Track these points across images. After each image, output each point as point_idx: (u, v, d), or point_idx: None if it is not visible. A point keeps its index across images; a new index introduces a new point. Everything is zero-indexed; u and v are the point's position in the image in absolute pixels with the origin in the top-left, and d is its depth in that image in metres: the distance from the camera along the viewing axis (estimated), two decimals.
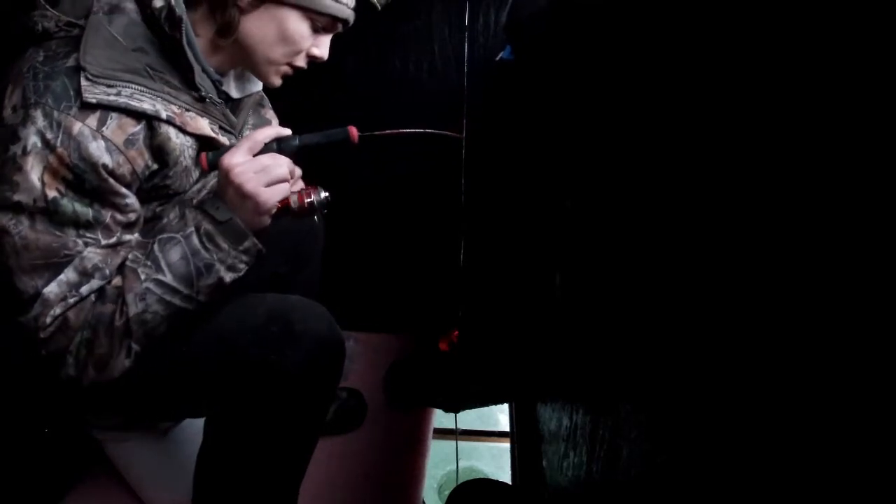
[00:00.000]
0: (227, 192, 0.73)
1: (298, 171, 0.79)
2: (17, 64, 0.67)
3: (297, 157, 0.79)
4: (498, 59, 1.30)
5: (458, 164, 1.49)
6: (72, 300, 0.68)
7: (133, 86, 0.67)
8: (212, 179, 0.84)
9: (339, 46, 1.49)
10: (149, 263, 0.70)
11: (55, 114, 0.63)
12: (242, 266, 0.75)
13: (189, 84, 0.74)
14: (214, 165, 0.75)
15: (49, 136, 0.63)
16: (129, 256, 0.72)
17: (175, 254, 0.71)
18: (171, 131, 0.71)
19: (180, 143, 0.73)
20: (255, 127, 0.90)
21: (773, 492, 0.33)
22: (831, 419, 0.28)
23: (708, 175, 0.43)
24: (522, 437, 1.40)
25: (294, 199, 0.79)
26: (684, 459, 0.45)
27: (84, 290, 0.68)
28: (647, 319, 0.55)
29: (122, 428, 1.00)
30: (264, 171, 0.72)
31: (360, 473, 1.27)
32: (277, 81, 0.83)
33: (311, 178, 0.86)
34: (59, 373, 0.71)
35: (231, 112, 0.86)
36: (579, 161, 0.84)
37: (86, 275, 0.68)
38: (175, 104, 0.71)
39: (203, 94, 0.75)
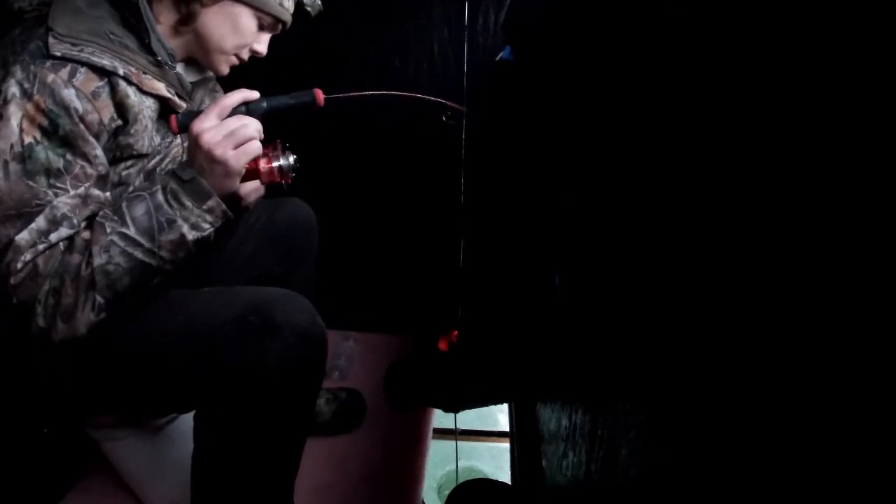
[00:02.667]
0: (197, 155, 0.77)
1: (261, 133, 0.81)
2: None
3: (265, 120, 0.82)
4: (498, 59, 1.31)
5: (457, 163, 1.50)
6: (41, 247, 0.71)
7: (94, 45, 0.73)
8: (173, 149, 0.88)
9: (339, 47, 1.49)
10: (115, 218, 0.74)
11: (31, 67, 0.70)
12: (207, 226, 0.77)
13: (146, 49, 0.80)
14: (185, 128, 0.79)
15: (26, 85, 0.70)
16: (100, 212, 0.75)
17: (140, 209, 0.74)
18: (129, 90, 0.77)
19: (138, 102, 0.78)
20: None
21: (771, 491, 0.33)
22: (830, 418, 0.28)
23: (708, 174, 0.43)
24: (522, 437, 1.40)
25: (263, 164, 0.83)
26: (683, 459, 0.45)
27: (53, 237, 0.72)
28: (646, 319, 0.55)
29: (116, 427, 1.00)
30: (232, 133, 0.76)
31: (360, 473, 1.27)
32: (225, 70, 0.91)
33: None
34: (31, 327, 0.73)
35: (189, 96, 0.92)
36: (579, 161, 0.84)
37: (55, 223, 0.71)
38: (133, 65, 0.77)
39: (159, 58, 0.81)
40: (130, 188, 0.81)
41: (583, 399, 0.80)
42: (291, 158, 0.86)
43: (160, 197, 0.75)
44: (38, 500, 1.16)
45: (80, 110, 0.72)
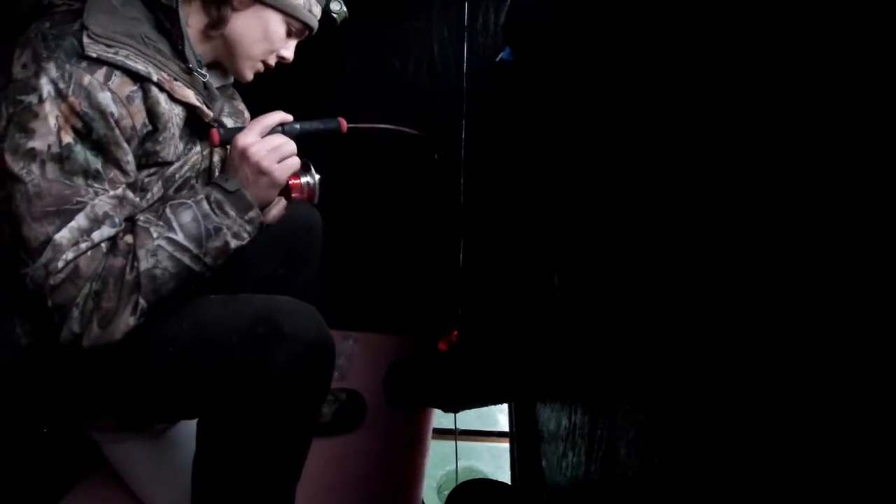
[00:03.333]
0: (242, 168, 0.80)
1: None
2: (23, 35, 0.71)
3: (298, 142, 0.86)
4: (498, 59, 1.31)
5: (457, 164, 1.50)
6: (83, 245, 0.69)
7: (129, 48, 0.72)
8: (192, 157, 0.87)
9: (340, 46, 1.49)
10: (160, 223, 0.74)
11: (67, 66, 0.68)
12: (246, 235, 0.80)
13: (178, 55, 0.79)
14: (227, 142, 0.83)
15: (62, 85, 0.67)
16: (141, 217, 0.75)
17: (187, 216, 0.75)
18: (161, 97, 0.76)
19: (168, 110, 0.77)
20: (230, 115, 0.97)
21: (770, 491, 0.33)
22: (829, 418, 0.28)
23: (707, 174, 0.43)
24: (522, 437, 1.40)
25: (293, 182, 0.89)
26: (682, 459, 0.45)
27: (95, 236, 0.70)
28: (644, 320, 0.55)
29: (117, 429, 1.00)
30: (277, 148, 0.81)
31: (360, 474, 1.27)
32: (250, 76, 0.90)
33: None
34: (61, 332, 0.71)
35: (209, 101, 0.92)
36: (577, 161, 0.84)
37: (97, 221, 0.70)
38: (165, 71, 0.76)
39: (190, 65, 0.81)
40: (149, 195, 0.80)
41: (582, 399, 0.80)
42: (317, 177, 0.92)
43: (206, 206, 0.77)
44: (38, 500, 1.16)
45: (116, 115, 0.70)
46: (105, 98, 0.69)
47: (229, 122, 0.93)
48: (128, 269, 0.71)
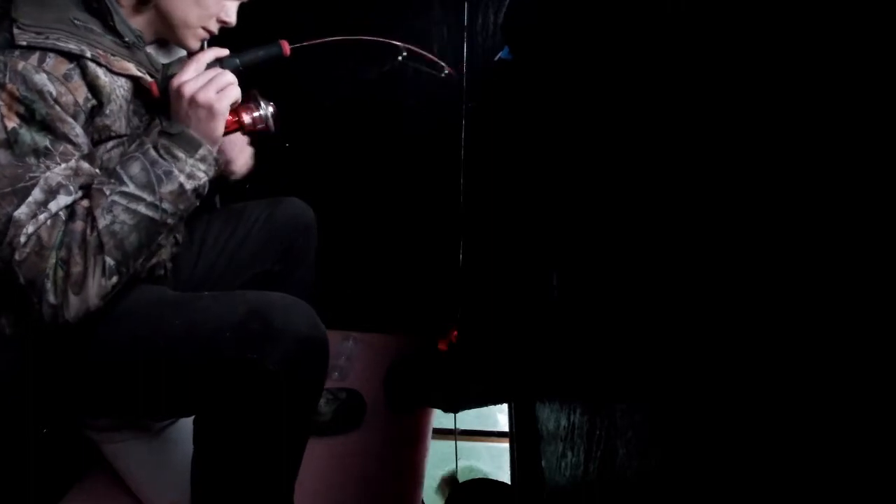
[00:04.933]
0: (180, 107, 0.80)
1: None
2: None
3: (239, 74, 0.85)
4: (497, 59, 1.31)
5: (457, 163, 1.50)
6: (42, 217, 0.71)
7: (59, 31, 0.74)
8: (154, 130, 0.88)
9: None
10: (112, 181, 0.75)
11: (1, 58, 0.70)
12: (202, 174, 0.80)
13: (111, 31, 0.80)
14: (165, 88, 0.82)
15: None
16: (95, 181, 0.76)
17: (135, 167, 0.76)
18: (99, 70, 0.77)
19: (109, 83, 0.78)
20: None
21: (768, 490, 0.33)
22: (830, 419, 0.28)
23: (705, 173, 0.43)
24: (521, 437, 1.40)
25: (244, 116, 0.88)
26: (680, 459, 0.45)
27: (52, 206, 0.71)
28: (642, 320, 0.55)
29: (115, 429, 1.00)
30: (211, 81, 0.80)
31: (360, 474, 1.27)
32: (195, 44, 0.89)
33: None
34: (41, 310, 0.71)
35: (163, 77, 0.91)
36: (576, 161, 0.84)
37: (52, 192, 0.72)
38: (99, 48, 0.77)
39: (126, 39, 0.81)
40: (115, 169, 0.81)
41: (581, 399, 0.80)
42: (271, 107, 0.89)
43: (153, 153, 0.77)
44: (38, 500, 1.16)
45: (54, 93, 0.72)
46: (41, 79, 0.71)
47: None
48: (88, 230, 0.72)
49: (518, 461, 1.40)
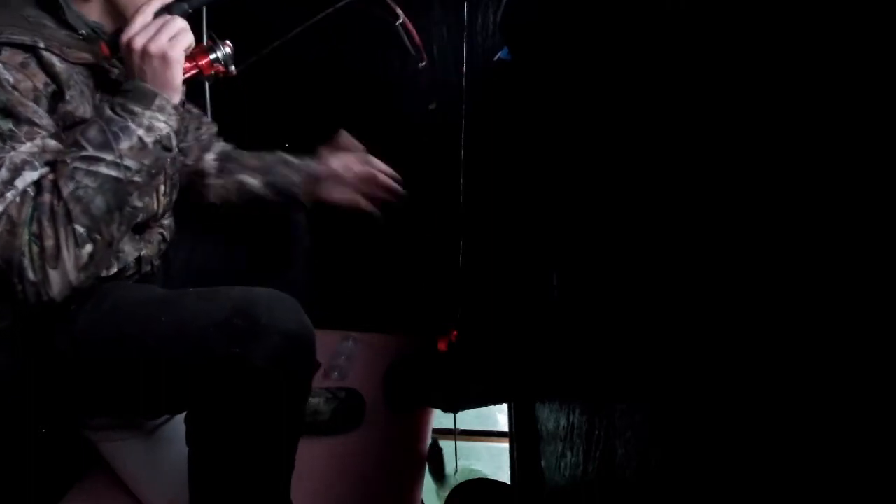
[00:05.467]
0: (133, 61, 0.78)
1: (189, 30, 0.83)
2: None
3: (190, 18, 0.83)
4: (496, 59, 1.31)
5: (457, 163, 1.50)
6: (10, 195, 0.70)
7: (12, 28, 0.74)
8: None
9: (340, 46, 1.49)
10: (72, 149, 0.75)
11: None
12: (161, 125, 0.78)
13: (65, 25, 0.81)
14: (115, 46, 0.80)
15: None
16: (60, 156, 0.75)
17: (92, 130, 0.75)
18: (54, 59, 0.76)
19: (66, 69, 0.78)
20: None
21: (766, 490, 0.33)
22: (830, 419, 0.28)
23: (705, 174, 0.43)
24: (521, 438, 1.40)
25: (202, 61, 0.86)
26: (678, 460, 0.45)
27: (19, 183, 0.71)
28: (642, 320, 0.55)
29: (113, 428, 1.01)
30: (161, 28, 0.78)
31: (360, 473, 1.27)
32: None
33: None
34: (25, 290, 0.71)
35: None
36: (575, 161, 0.84)
37: (17, 170, 0.71)
38: (54, 41, 0.77)
39: (81, 32, 0.82)
40: None
41: (580, 399, 0.80)
42: (227, 48, 0.88)
43: (108, 112, 0.76)
44: (38, 500, 1.17)
45: (12, 80, 0.72)
46: None
47: None
48: (55, 201, 0.71)
49: (518, 461, 1.40)
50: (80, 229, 0.72)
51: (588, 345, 0.75)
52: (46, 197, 0.72)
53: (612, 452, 0.60)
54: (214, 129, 1.19)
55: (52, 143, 0.75)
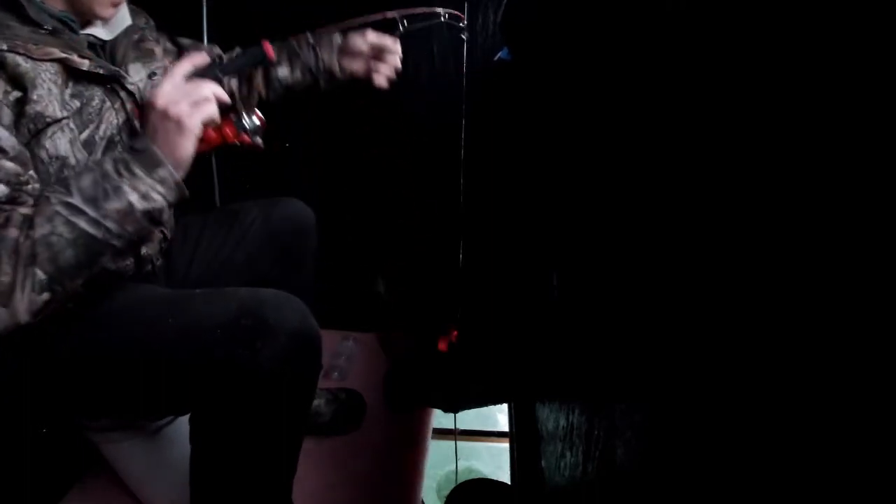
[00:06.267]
0: (151, 120, 0.75)
1: (222, 96, 0.80)
2: None
3: (222, 83, 0.82)
4: (496, 59, 1.30)
5: (457, 163, 1.50)
6: None
7: None
8: (105, 114, 0.83)
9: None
10: (61, 189, 0.71)
11: None
12: (158, 197, 0.74)
13: (29, 22, 0.77)
14: (142, 106, 0.78)
15: None
16: (48, 189, 0.72)
17: (87, 179, 0.72)
18: (18, 59, 0.73)
19: (32, 68, 0.74)
20: (138, 59, 0.93)
21: (765, 490, 0.33)
22: (829, 419, 0.28)
23: (705, 174, 0.43)
24: (521, 437, 1.40)
25: (227, 130, 0.84)
26: (677, 460, 0.45)
27: None
28: (641, 320, 0.55)
29: (114, 429, 1.00)
30: (187, 93, 0.75)
31: (360, 473, 1.27)
32: (108, 11, 0.84)
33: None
34: None
35: (110, 53, 0.89)
36: (574, 161, 0.84)
37: None
38: (17, 40, 0.74)
39: (47, 27, 0.78)
40: (71, 159, 0.78)
41: (579, 399, 0.80)
42: (257, 119, 0.85)
43: (108, 166, 0.73)
44: (38, 500, 1.17)
45: None
46: None
47: (137, 67, 0.91)
48: (21, 238, 0.67)
49: (518, 461, 1.40)
50: (42, 276, 0.68)
51: (588, 345, 0.75)
52: (12, 231, 0.68)
53: (612, 452, 0.60)
54: (216, 51, 1.13)
55: (10, 165, 0.71)
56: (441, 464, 2.05)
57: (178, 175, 0.76)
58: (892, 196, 0.24)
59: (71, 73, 0.79)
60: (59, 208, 0.69)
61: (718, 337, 0.39)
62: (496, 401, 1.65)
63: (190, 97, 0.75)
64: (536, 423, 1.24)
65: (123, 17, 0.91)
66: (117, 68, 0.85)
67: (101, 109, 0.82)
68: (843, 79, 0.28)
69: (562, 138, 0.93)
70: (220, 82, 0.80)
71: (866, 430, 0.26)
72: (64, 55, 0.77)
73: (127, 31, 0.91)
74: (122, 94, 0.84)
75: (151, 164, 0.73)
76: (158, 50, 0.98)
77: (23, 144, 0.73)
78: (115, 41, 0.90)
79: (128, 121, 0.85)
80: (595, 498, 0.69)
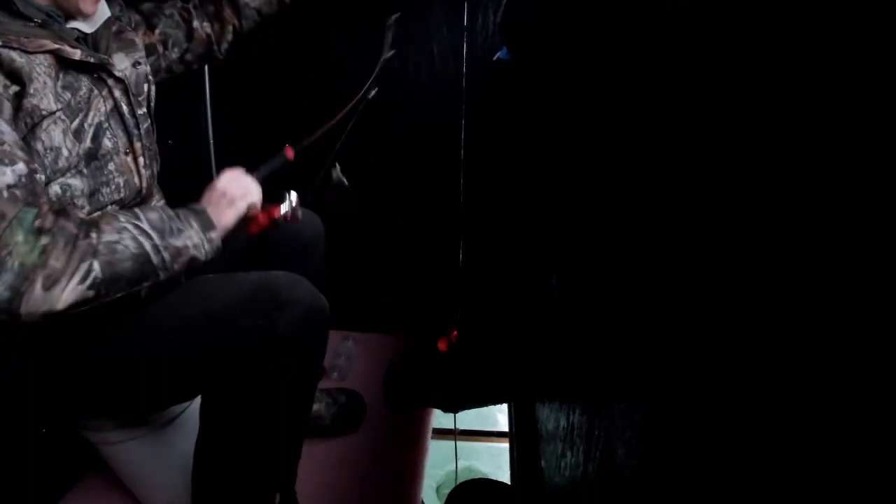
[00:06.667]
0: (210, 193, 0.92)
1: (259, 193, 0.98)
2: None
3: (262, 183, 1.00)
4: (495, 59, 1.31)
5: (457, 164, 1.50)
6: None
7: None
8: (94, 101, 0.86)
9: (340, 47, 1.49)
10: (129, 213, 0.79)
11: None
12: (205, 251, 0.84)
13: (18, 16, 0.80)
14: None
15: None
16: (109, 209, 0.81)
17: (153, 214, 0.81)
18: (13, 54, 0.76)
19: (27, 62, 0.77)
20: (121, 49, 0.97)
21: (765, 490, 0.33)
22: (828, 418, 0.28)
23: (705, 174, 0.43)
24: (521, 437, 1.40)
25: (275, 213, 1.02)
26: (677, 460, 0.45)
27: None
28: (640, 320, 0.55)
29: (113, 430, 1.00)
30: (239, 182, 0.95)
31: (360, 473, 1.28)
32: (91, 7, 0.88)
33: None
34: None
35: (93, 45, 0.92)
36: (574, 161, 0.84)
37: None
38: (10, 34, 0.77)
39: (36, 20, 0.81)
40: (63, 150, 0.81)
41: (579, 399, 0.80)
42: (294, 200, 1.04)
43: (172, 212, 0.83)
44: (38, 500, 1.17)
45: None
46: None
47: (121, 56, 0.95)
48: (81, 234, 0.71)
49: (518, 461, 1.40)
50: (97, 272, 0.72)
51: (587, 345, 0.75)
52: (70, 226, 0.71)
53: (612, 452, 0.60)
54: (179, 4, 1.15)
55: (21, 154, 0.72)
56: (441, 464, 2.05)
57: (219, 239, 0.87)
58: (891, 196, 0.24)
59: (62, 64, 0.82)
60: (129, 226, 0.76)
61: (717, 337, 0.39)
62: (496, 401, 1.65)
63: (241, 184, 0.95)
64: (536, 423, 1.24)
65: (103, 11, 0.94)
66: (106, 57, 0.89)
67: (88, 98, 0.85)
68: (843, 79, 0.28)
69: (561, 138, 0.93)
70: (259, 180, 0.99)
71: (865, 430, 0.26)
72: (57, 45, 0.80)
73: (107, 23, 0.95)
74: (110, 81, 0.88)
75: (206, 224, 0.85)
76: (138, 39, 1.03)
77: (20, 138, 0.75)
78: (96, 33, 0.92)
79: (115, 108, 0.89)
80: (595, 498, 0.69)
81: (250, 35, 1.18)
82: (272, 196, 1.02)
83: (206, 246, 0.84)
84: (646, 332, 0.54)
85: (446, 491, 1.36)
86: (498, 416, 2.12)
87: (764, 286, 0.34)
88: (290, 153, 1.06)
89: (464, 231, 1.54)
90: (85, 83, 0.85)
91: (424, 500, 1.33)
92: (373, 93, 1.20)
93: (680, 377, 0.45)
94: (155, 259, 0.78)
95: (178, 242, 0.80)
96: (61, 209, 0.72)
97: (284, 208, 1.03)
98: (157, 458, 1.06)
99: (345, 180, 1.13)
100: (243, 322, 0.80)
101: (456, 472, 1.63)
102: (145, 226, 0.77)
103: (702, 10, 0.43)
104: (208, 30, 1.13)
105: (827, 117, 0.29)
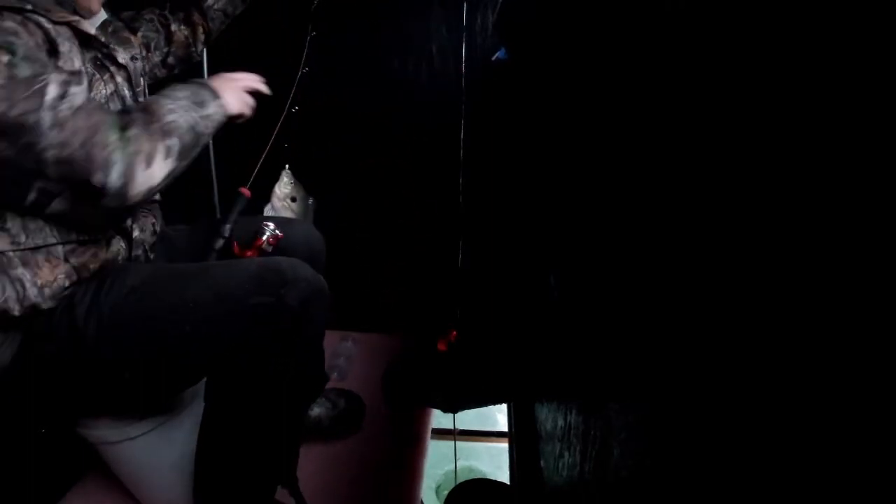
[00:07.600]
0: (218, 80, 0.98)
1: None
2: None
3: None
4: (494, 59, 1.31)
5: (456, 164, 1.50)
6: (73, 90, 0.76)
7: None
8: (94, 84, 0.91)
9: (340, 46, 1.49)
10: (167, 98, 0.88)
11: None
12: (221, 115, 0.95)
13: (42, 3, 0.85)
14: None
15: None
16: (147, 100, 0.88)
17: (183, 91, 0.90)
18: (42, 19, 0.82)
19: (54, 28, 0.83)
20: (120, 45, 1.02)
21: (763, 489, 0.34)
22: (827, 418, 0.28)
23: (704, 174, 0.43)
24: (520, 438, 1.40)
25: (262, 241, 1.11)
26: (673, 460, 0.45)
27: (74, 89, 0.76)
28: (638, 321, 0.55)
29: (111, 430, 1.01)
30: (245, 81, 1.02)
31: (360, 474, 1.28)
32: (97, 6, 0.96)
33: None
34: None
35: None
36: (576, 162, 0.84)
37: (66, 83, 0.76)
38: (38, 4, 0.82)
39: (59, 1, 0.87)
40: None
41: (577, 399, 0.80)
42: (271, 237, 1.12)
43: (193, 87, 0.92)
44: (38, 500, 1.17)
45: (21, 32, 0.77)
46: (9, 25, 0.76)
47: (120, 51, 0.99)
48: (150, 120, 0.82)
49: (517, 461, 1.40)
50: (175, 146, 0.84)
51: (585, 345, 0.75)
52: (138, 115, 0.82)
53: (608, 452, 0.61)
54: (157, 10, 1.21)
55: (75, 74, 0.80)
56: (441, 464, 2.05)
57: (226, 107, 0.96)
58: (891, 196, 0.24)
59: (80, 36, 0.88)
60: (172, 106, 0.86)
61: (713, 338, 0.39)
62: (495, 401, 1.65)
63: (248, 82, 1.03)
64: (535, 424, 1.24)
65: (103, 12, 1.01)
66: (112, 45, 0.95)
67: (91, 80, 0.91)
68: (842, 79, 0.28)
69: (560, 139, 0.93)
70: (225, 232, 1.09)
71: (863, 430, 0.26)
72: (76, 17, 0.87)
73: (103, 24, 1.02)
74: (112, 68, 0.93)
75: (215, 96, 0.94)
76: (133, 38, 1.09)
77: None
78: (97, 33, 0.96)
79: (115, 91, 0.95)
80: (593, 497, 0.69)
81: (219, 35, 1.25)
82: (252, 232, 1.09)
83: (220, 112, 0.94)
84: (642, 333, 0.54)
85: (446, 491, 1.36)
86: (497, 416, 2.12)
87: (760, 287, 0.34)
88: (246, 192, 1.15)
89: (463, 231, 1.54)
90: (88, 66, 0.89)
91: (424, 500, 1.33)
92: (295, 109, 1.29)
93: (675, 378, 0.45)
94: (199, 127, 0.89)
95: (207, 111, 0.91)
96: (123, 108, 0.86)
97: (266, 234, 1.11)
98: (156, 458, 1.06)
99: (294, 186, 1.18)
100: (254, 299, 0.86)
101: (455, 472, 1.63)
102: (185, 103, 0.88)
103: (699, 9, 0.43)
104: (186, 32, 1.19)
105: (826, 117, 0.29)
